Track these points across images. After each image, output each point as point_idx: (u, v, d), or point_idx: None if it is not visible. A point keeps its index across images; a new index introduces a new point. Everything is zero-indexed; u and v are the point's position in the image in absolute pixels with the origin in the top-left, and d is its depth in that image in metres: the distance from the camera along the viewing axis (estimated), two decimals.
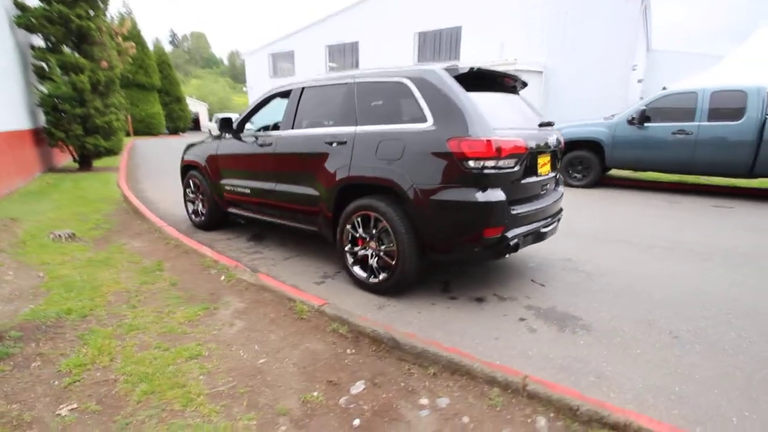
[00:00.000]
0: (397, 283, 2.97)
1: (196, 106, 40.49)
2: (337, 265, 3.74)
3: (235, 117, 4.38)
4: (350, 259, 3.24)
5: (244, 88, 30.41)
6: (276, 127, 4.83)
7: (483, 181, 2.62)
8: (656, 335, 2.54)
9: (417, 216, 2.77)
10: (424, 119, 2.79)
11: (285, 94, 4.11)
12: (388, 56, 19.96)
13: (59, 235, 4.35)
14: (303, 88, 3.71)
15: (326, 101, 3.60)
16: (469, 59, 17.61)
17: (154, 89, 26.17)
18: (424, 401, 1.90)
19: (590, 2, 14.58)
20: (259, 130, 4.71)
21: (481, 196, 2.61)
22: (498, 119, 2.78)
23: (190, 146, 5.17)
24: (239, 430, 1.67)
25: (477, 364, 2.00)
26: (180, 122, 31.12)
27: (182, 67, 49.13)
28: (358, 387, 2.00)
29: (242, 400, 1.86)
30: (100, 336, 2.32)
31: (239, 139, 4.26)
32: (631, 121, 7.01)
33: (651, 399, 1.95)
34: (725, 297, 3.05)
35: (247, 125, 4.47)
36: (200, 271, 3.48)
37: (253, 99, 27.19)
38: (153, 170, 10.69)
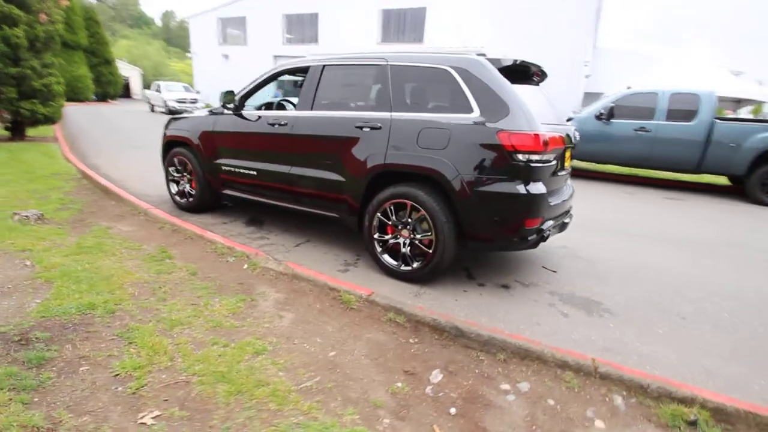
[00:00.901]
0: (432, 272, 3.01)
1: (127, 70, 36.67)
2: (353, 251, 3.69)
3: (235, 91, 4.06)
4: (379, 248, 3.22)
5: (188, 54, 28.00)
6: (280, 106, 4.58)
7: (529, 174, 2.72)
8: (667, 316, 2.85)
9: (460, 206, 2.81)
10: (469, 109, 2.81)
11: (300, 71, 3.90)
12: (351, 32, 19.44)
13: (26, 216, 3.82)
14: (324, 66, 3.53)
15: (352, 82, 3.46)
16: (432, 42, 17.68)
17: (80, 48, 23.30)
18: (505, 386, 1.99)
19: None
20: (260, 107, 4.43)
21: (527, 189, 2.71)
22: (538, 113, 2.87)
23: (173, 120, 4.72)
24: (346, 425, 1.64)
25: (547, 350, 2.12)
26: (110, 88, 28.11)
27: (107, 25, 43.57)
28: (437, 376, 2.04)
29: (334, 394, 1.82)
30: (144, 333, 2.12)
31: (241, 116, 3.97)
32: (599, 117, 7.54)
33: (688, 373, 2.21)
34: (707, 280, 3.48)
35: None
36: (215, 258, 3.26)
37: (199, 66, 25.24)
38: (98, 143, 9.64)
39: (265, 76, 3.98)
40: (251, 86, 4.04)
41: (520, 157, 2.66)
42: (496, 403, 1.87)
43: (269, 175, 3.79)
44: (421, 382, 2.00)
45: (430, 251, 2.96)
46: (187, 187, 4.57)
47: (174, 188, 4.72)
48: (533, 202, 2.74)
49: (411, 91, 3.08)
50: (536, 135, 2.64)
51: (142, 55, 46.08)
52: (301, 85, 4.65)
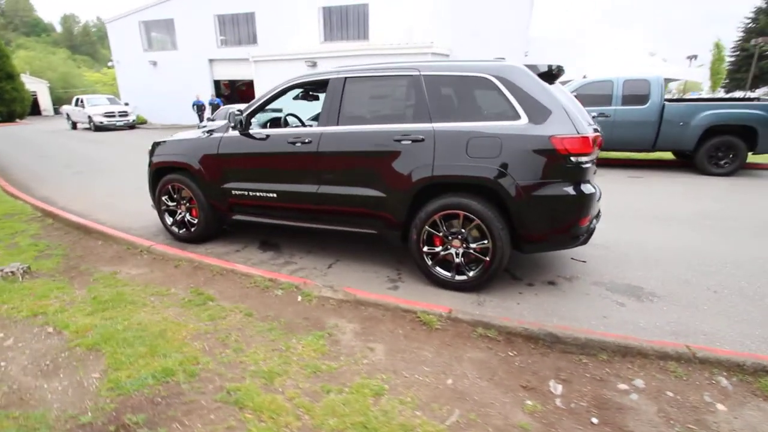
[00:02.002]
0: (489, 278, 3.05)
1: (32, 84, 32.71)
2: (389, 266, 3.62)
3: (234, 108, 3.76)
4: (429, 260, 3.18)
5: (110, 63, 25.48)
6: (279, 122, 4.32)
7: (580, 175, 2.83)
8: (701, 292, 3.12)
9: (517, 211, 2.86)
10: (516, 116, 2.85)
11: (317, 84, 3.71)
12: (290, 31, 18.81)
13: (11, 272, 3.28)
14: (346, 78, 3.39)
15: (381, 94, 3.37)
16: (377, 39, 17.64)
17: None
18: (623, 386, 2.07)
19: None
20: (265, 125, 4.16)
21: (580, 189, 2.83)
22: (579, 115, 2.99)
23: (160, 144, 4.30)
24: None
25: (645, 344, 2.24)
26: (16, 105, 25.04)
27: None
28: (556, 387, 2.08)
29: (482, 425, 1.78)
30: (249, 393, 1.91)
31: (250, 136, 3.70)
32: None
33: (749, 343, 2.45)
34: (710, 253, 3.86)
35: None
36: (260, 294, 3.03)
37: (124, 75, 23.03)
38: (35, 172, 8.55)
39: (275, 92, 3.74)
40: (259, 103, 3.77)
41: (573, 159, 2.76)
42: (626, 405, 1.95)
43: (293, 196, 3.58)
44: (546, 396, 2.02)
45: (487, 258, 2.98)
46: (187, 217, 4.19)
47: (169, 219, 4.31)
48: (586, 202, 2.86)
49: (450, 101, 3.06)
50: (586, 137, 2.75)
51: (45, 67, 41.19)
52: (305, 98, 4.46)
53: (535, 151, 2.79)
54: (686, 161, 8.15)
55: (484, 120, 2.94)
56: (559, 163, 2.77)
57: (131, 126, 19.87)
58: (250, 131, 3.73)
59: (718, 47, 34.53)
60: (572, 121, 2.78)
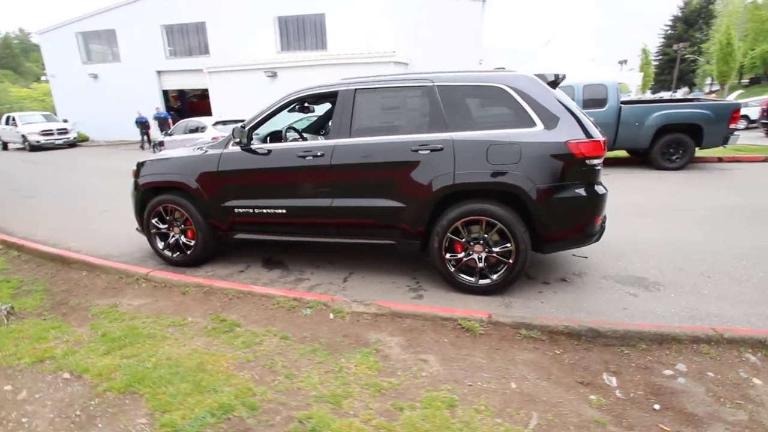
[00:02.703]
0: (513, 281, 3.14)
1: None
2: (405, 275, 3.62)
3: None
4: (451, 267, 3.22)
5: (43, 77, 23.45)
6: (279, 137, 4.19)
7: (594, 177, 3.01)
8: (697, 278, 3.39)
9: (538, 214, 2.97)
10: (531, 123, 2.97)
11: (324, 97, 3.66)
12: (245, 41, 18.33)
13: None
14: (355, 90, 3.37)
15: (393, 105, 3.38)
16: (336, 48, 17.63)
17: None
18: (668, 372, 2.21)
19: (443, 2, 16.34)
20: (264, 140, 4.03)
21: (595, 190, 3.00)
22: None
23: (147, 164, 4.03)
24: None
25: (677, 330, 2.41)
26: None
27: None
28: (610, 379, 2.18)
29: (563, 425, 1.83)
30: (324, 421, 1.83)
31: (253, 151, 3.57)
32: None
33: (755, 321, 2.70)
34: (692, 242, 4.22)
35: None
36: (288, 315, 2.91)
37: (60, 89, 21.24)
38: None
39: (278, 105, 3.64)
40: (261, 117, 3.66)
41: (588, 162, 2.93)
42: (677, 389, 2.08)
43: (304, 211, 3.49)
44: (604, 389, 2.11)
45: (511, 261, 3.07)
46: (182, 239, 3.94)
47: (160, 243, 4.03)
48: (600, 201, 3.04)
49: (466, 110, 3.13)
50: (598, 141, 2.93)
51: None
52: (301, 110, 4.37)
53: (553, 155, 2.92)
54: (640, 158, 8.86)
55: (500, 128, 3.04)
56: (575, 166, 2.93)
57: (72, 144, 18.37)
58: (253, 146, 3.60)
59: (645, 52, 38.02)
60: (584, 126, 2.95)
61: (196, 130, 12.01)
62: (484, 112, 3.11)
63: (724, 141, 7.76)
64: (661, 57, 48.21)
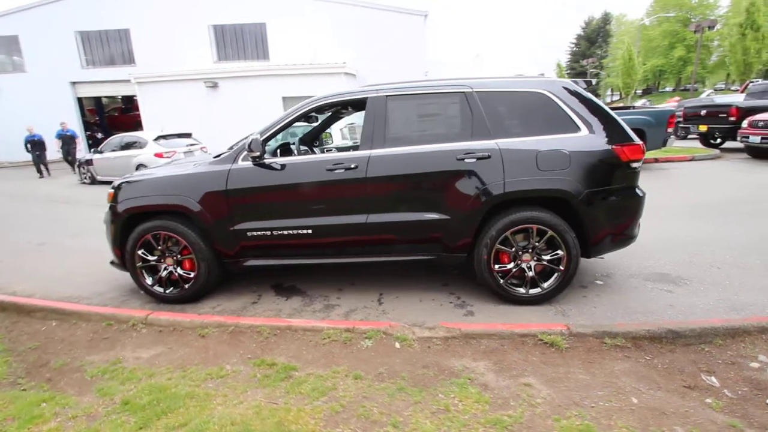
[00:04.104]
0: (563, 288, 3.08)
1: None
2: (442, 291, 3.42)
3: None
4: (500, 278, 3.09)
5: None
6: (287, 149, 3.78)
7: (635, 179, 3.07)
8: (710, 270, 3.60)
9: (588, 218, 2.95)
10: (576, 128, 2.97)
11: (350, 104, 3.36)
12: (176, 49, 17.01)
13: None
14: (387, 97, 3.13)
15: (430, 112, 3.19)
16: (279, 59, 17.04)
17: None
18: (755, 364, 2.25)
19: (387, 15, 16.58)
20: (275, 152, 3.60)
21: (636, 192, 3.06)
22: None
23: (129, 184, 3.40)
24: None
25: (746, 323, 2.49)
26: None
27: None
28: (712, 380, 2.16)
29: None
30: None
31: (268, 166, 3.16)
32: None
33: None
34: (684, 236, 4.54)
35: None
36: (345, 350, 2.54)
37: None
38: None
39: (296, 114, 3.28)
40: (276, 127, 3.26)
41: (631, 165, 2.98)
42: None
43: (334, 229, 3.15)
44: (711, 390, 2.08)
45: (562, 268, 3.02)
46: (179, 271, 3.37)
47: (149, 278, 3.41)
48: (642, 203, 3.10)
49: (508, 117, 3.04)
50: (639, 145, 3.00)
51: None
52: (306, 120, 4.00)
53: (600, 160, 2.94)
54: None
55: (545, 134, 2.99)
56: (621, 169, 2.97)
57: None
58: (267, 160, 3.19)
59: (559, 67, 42.10)
60: (625, 130, 3.01)
61: (130, 145, 10.75)
62: (526, 118, 3.05)
63: (663, 143, 8.66)
64: (569, 71, 53.72)
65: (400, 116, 3.16)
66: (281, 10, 16.75)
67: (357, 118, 5.56)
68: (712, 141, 11.56)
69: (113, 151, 10.81)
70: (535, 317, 2.89)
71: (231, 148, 3.44)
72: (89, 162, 11.11)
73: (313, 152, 4.10)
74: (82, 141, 14.67)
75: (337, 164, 3.08)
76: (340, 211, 3.13)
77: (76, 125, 16.98)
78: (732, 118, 10.20)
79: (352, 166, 3.06)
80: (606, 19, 53.87)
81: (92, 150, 12.26)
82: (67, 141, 13.30)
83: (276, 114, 3.40)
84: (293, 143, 3.98)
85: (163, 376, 2.35)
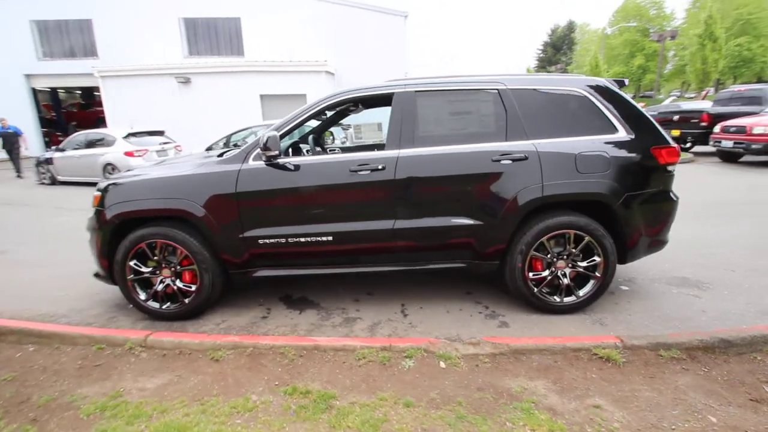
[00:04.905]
0: (599, 296, 2.95)
1: None
2: (466, 300, 3.23)
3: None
4: (534, 287, 2.92)
5: None
6: (295, 150, 3.47)
7: (671, 182, 2.98)
8: (726, 273, 3.57)
9: (626, 222, 2.84)
10: (613, 129, 2.85)
11: (373, 100, 3.10)
12: (142, 42, 16.06)
13: None
14: (416, 92, 2.90)
15: (462, 110, 2.99)
16: (254, 55, 16.42)
17: None
18: None
19: (367, 14, 16.33)
20: (286, 151, 3.28)
21: (672, 195, 2.98)
22: None
23: (115, 187, 2.99)
24: None
25: None
26: None
27: None
28: None
29: None
30: None
31: (281, 166, 2.86)
32: None
33: None
34: (686, 238, 4.56)
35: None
36: (385, 372, 2.28)
37: None
38: None
39: (314, 109, 2.98)
40: (293, 123, 2.96)
41: (668, 168, 2.90)
42: None
43: (358, 236, 2.88)
44: None
45: (598, 275, 2.89)
46: (178, 284, 2.99)
47: (143, 293, 3.01)
48: (676, 207, 3.02)
49: (544, 116, 2.87)
50: (675, 147, 2.92)
51: None
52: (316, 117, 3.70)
53: (639, 162, 2.83)
54: None
55: (582, 134, 2.85)
56: (658, 172, 2.88)
57: None
58: (281, 160, 2.87)
59: (529, 71, 43.33)
60: (661, 132, 2.92)
61: (96, 143, 9.95)
62: (562, 117, 2.89)
63: None
64: None
65: (430, 113, 2.93)
66: (257, 5, 16.15)
67: (358, 118, 5.28)
68: (683, 145, 12.07)
69: (77, 149, 9.96)
70: (574, 327, 2.74)
71: (209, 148, 3.11)
72: (49, 161, 10.19)
73: (325, 152, 3.81)
74: (29, 139, 13.25)
75: (362, 165, 2.82)
76: (364, 216, 2.87)
77: (30, 121, 15.69)
78: (703, 124, 10.67)
79: (380, 167, 2.80)
80: (570, 27, 55.96)
81: (52, 148, 11.26)
82: (10, 139, 11.89)
83: (290, 111, 3.08)
84: (301, 142, 3.67)
85: (178, 411, 2.01)
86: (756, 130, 8.51)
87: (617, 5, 44.78)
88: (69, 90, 20.89)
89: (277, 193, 2.85)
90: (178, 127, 12.53)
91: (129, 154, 9.28)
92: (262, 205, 2.88)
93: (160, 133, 10.59)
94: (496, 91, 2.88)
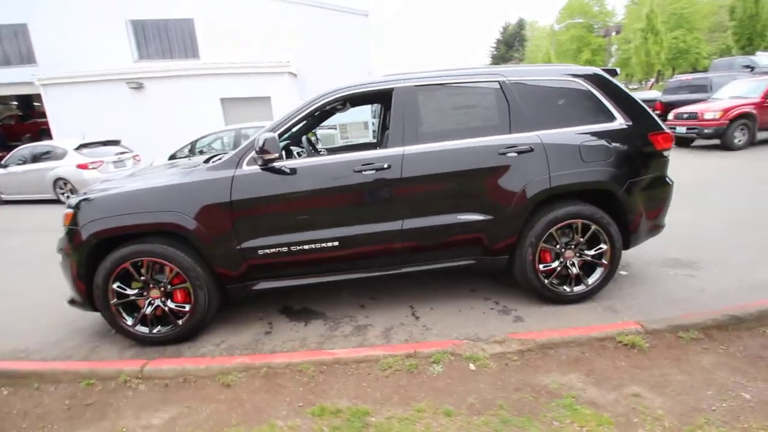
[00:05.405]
0: (606, 282, 2.98)
1: None
2: (475, 297, 3.17)
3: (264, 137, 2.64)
4: (545, 279, 2.90)
5: None
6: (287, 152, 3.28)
7: (667, 168, 3.06)
8: (712, 251, 3.69)
9: (629, 209, 2.88)
10: (611, 117, 2.88)
11: (371, 96, 2.96)
12: (86, 47, 14.94)
13: None
14: (416, 87, 2.80)
15: (463, 104, 2.91)
16: (211, 58, 15.70)
17: None
18: None
19: (327, 13, 16.04)
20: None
21: (668, 180, 3.05)
22: None
23: (88, 202, 2.69)
24: None
25: None
26: None
27: None
28: None
29: None
30: None
31: (278, 170, 2.67)
32: None
33: None
34: (681, 220, 4.70)
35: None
36: (413, 380, 2.16)
37: None
38: None
39: (308, 109, 2.80)
40: (287, 123, 2.78)
41: (664, 153, 2.97)
42: None
43: (365, 239, 2.75)
44: None
45: (605, 262, 2.91)
46: (170, 305, 2.73)
47: (129, 318, 2.73)
48: (672, 191, 3.10)
49: (545, 107, 2.85)
50: (669, 133, 2.99)
51: None
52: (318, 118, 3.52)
53: (638, 149, 2.88)
54: None
55: (582, 124, 2.86)
56: (655, 158, 2.94)
57: None
58: (278, 164, 2.69)
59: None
60: (655, 118, 2.98)
61: (43, 157, 9.14)
62: (562, 107, 2.89)
63: None
64: None
65: (432, 109, 2.84)
66: (211, 6, 15.46)
67: (344, 117, 5.11)
68: None
69: (22, 164, 9.09)
70: (588, 316, 2.75)
71: (173, 156, 2.89)
72: None
73: (318, 153, 3.63)
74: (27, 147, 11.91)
75: (366, 165, 2.68)
76: (371, 218, 2.74)
77: None
78: (657, 112, 11.31)
79: (385, 166, 2.68)
80: (521, 24, 58.03)
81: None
82: None
83: (283, 115, 2.89)
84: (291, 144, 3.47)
85: None
86: (707, 116, 9.10)
87: (563, 3, 46.83)
88: (3, 101, 19.16)
89: (278, 199, 2.66)
90: (133, 136, 11.75)
91: (82, 166, 8.57)
92: (261, 213, 2.68)
93: (116, 142, 9.89)
94: (497, 83, 2.84)
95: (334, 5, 16.19)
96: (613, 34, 24.95)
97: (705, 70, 20.48)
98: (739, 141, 9.05)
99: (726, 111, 8.99)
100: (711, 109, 9.21)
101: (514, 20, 59.54)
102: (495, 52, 59.17)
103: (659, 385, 2.02)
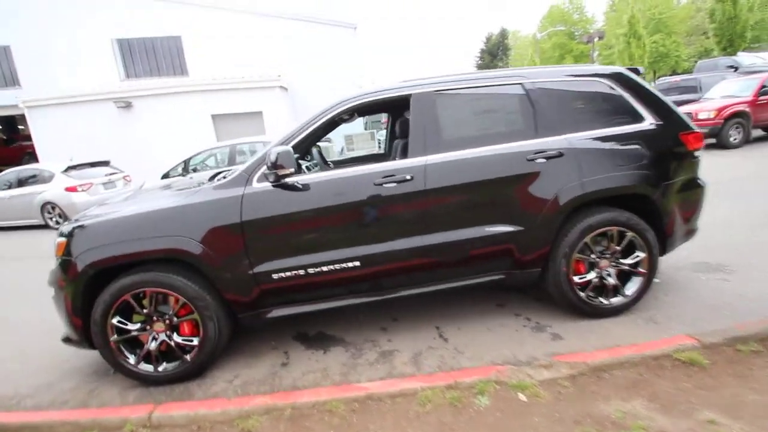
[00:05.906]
0: (645, 292, 2.79)
1: None
2: (503, 314, 2.98)
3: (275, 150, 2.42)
4: (580, 292, 2.71)
5: None
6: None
7: (698, 169, 2.91)
8: (740, 253, 3.56)
9: (665, 213, 2.72)
10: (640, 118, 2.74)
11: (387, 104, 2.78)
12: (72, 68, 14.69)
13: None
14: (436, 92, 2.62)
15: (485, 109, 2.75)
16: (200, 74, 15.52)
17: None
18: None
19: (316, 27, 16.01)
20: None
21: (700, 182, 2.90)
22: None
23: (83, 229, 2.45)
24: None
25: None
26: None
27: None
28: None
29: None
30: None
31: (290, 187, 2.46)
32: None
33: None
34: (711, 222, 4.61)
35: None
36: (459, 415, 1.94)
37: None
38: None
39: (323, 118, 2.61)
40: (301, 135, 2.58)
41: (695, 154, 2.83)
42: None
43: (388, 257, 2.54)
44: None
45: (643, 270, 2.74)
46: (176, 339, 2.48)
47: (131, 355, 2.47)
48: (705, 192, 2.95)
49: (572, 109, 2.71)
50: (700, 133, 2.86)
51: None
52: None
53: (671, 150, 2.74)
54: None
55: (611, 125, 2.71)
56: (687, 159, 2.80)
57: None
58: (293, 180, 2.47)
59: None
60: (684, 117, 2.84)
61: (29, 181, 8.78)
62: (589, 109, 2.74)
63: None
64: None
65: (453, 115, 2.67)
66: (197, 22, 15.33)
67: (349, 128, 4.94)
68: None
69: (6, 188, 8.72)
70: (630, 330, 2.56)
71: (166, 175, 2.68)
72: None
73: (327, 164, 3.43)
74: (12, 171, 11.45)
75: (387, 177, 2.49)
76: (394, 234, 2.53)
77: None
78: None
79: (407, 177, 2.48)
80: (503, 34, 59.05)
81: None
82: None
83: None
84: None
85: None
86: (701, 116, 9.13)
87: (544, 12, 47.87)
88: None
89: (293, 218, 2.45)
90: (122, 156, 11.45)
91: (71, 189, 8.24)
92: (276, 233, 2.46)
93: (105, 163, 9.56)
94: (521, 85, 2.68)
95: (323, 19, 16.19)
96: (596, 39, 25.36)
97: (685, 72, 20.82)
98: (735, 139, 9.08)
99: (720, 110, 9.03)
100: (705, 108, 9.26)
101: (496, 30, 60.52)
102: (480, 62, 60.03)
103: (733, 408, 1.83)
